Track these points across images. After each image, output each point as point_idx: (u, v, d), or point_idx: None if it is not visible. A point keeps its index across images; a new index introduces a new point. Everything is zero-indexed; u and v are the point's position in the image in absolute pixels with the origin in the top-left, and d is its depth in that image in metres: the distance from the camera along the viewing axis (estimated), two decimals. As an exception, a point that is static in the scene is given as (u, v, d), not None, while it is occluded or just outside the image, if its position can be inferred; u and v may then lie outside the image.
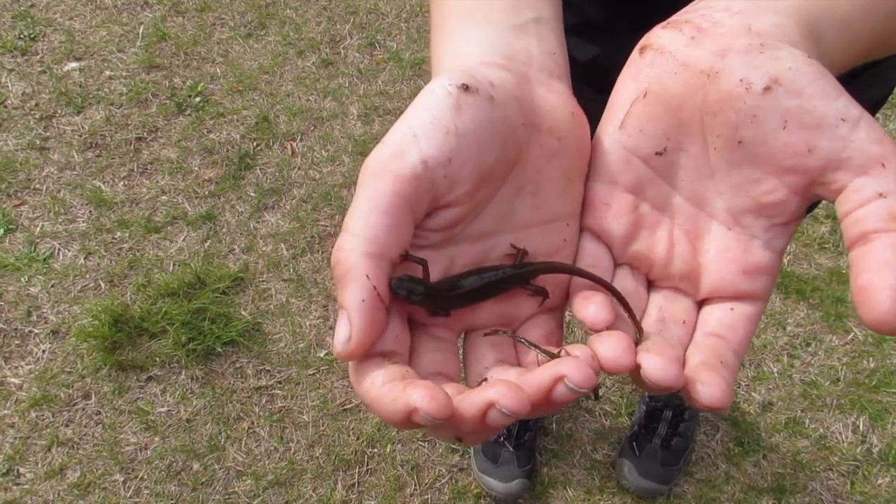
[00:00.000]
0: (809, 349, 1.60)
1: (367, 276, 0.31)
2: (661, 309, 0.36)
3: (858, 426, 1.50)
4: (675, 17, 0.36)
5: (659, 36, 0.35)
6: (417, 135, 0.32)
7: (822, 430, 1.50)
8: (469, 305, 0.36)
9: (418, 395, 0.28)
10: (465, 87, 0.33)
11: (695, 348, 0.34)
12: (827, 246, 1.74)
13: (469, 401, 0.29)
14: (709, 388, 0.31)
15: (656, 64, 0.34)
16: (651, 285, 0.38)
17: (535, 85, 0.36)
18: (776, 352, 1.60)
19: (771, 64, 0.31)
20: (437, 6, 0.40)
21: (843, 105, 0.30)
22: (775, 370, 1.57)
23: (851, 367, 1.57)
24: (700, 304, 0.37)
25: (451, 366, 0.35)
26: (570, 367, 0.29)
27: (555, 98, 0.37)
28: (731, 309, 0.35)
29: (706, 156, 0.35)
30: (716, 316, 0.35)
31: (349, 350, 0.31)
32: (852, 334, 1.61)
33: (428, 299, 0.33)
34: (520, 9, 0.38)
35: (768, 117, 0.31)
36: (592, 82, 0.66)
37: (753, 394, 1.54)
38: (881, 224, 0.29)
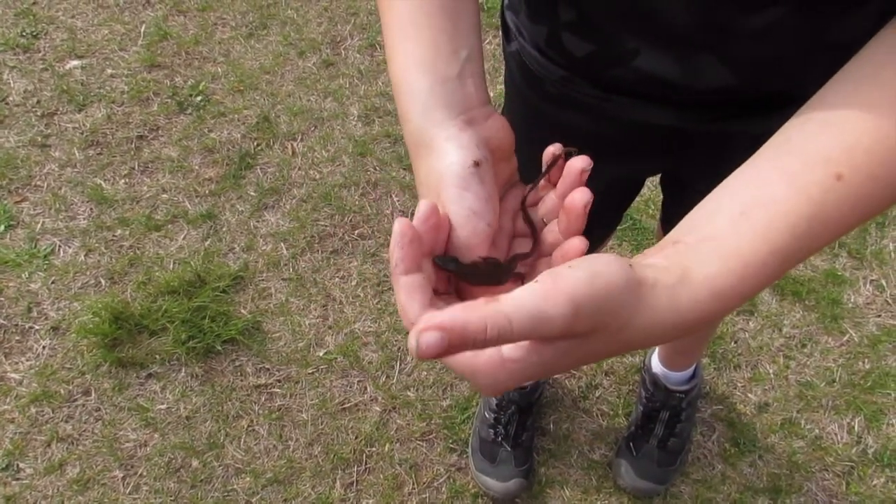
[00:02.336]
0: (805, 350, 1.61)
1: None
2: None
3: (854, 427, 1.51)
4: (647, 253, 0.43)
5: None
6: (476, 212, 0.45)
7: (817, 431, 1.51)
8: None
9: None
10: (477, 164, 0.46)
11: None
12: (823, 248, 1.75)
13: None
14: None
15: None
16: None
17: (480, 122, 0.49)
18: (772, 353, 1.61)
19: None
20: (393, 46, 0.51)
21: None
22: (771, 371, 1.58)
23: (847, 369, 1.58)
24: None
25: None
26: None
27: (493, 122, 0.50)
28: None
29: None
30: None
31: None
32: (848, 336, 1.63)
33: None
34: (458, 50, 0.49)
35: None
36: (587, 77, 0.67)
37: (749, 395, 1.55)
38: None
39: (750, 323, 1.65)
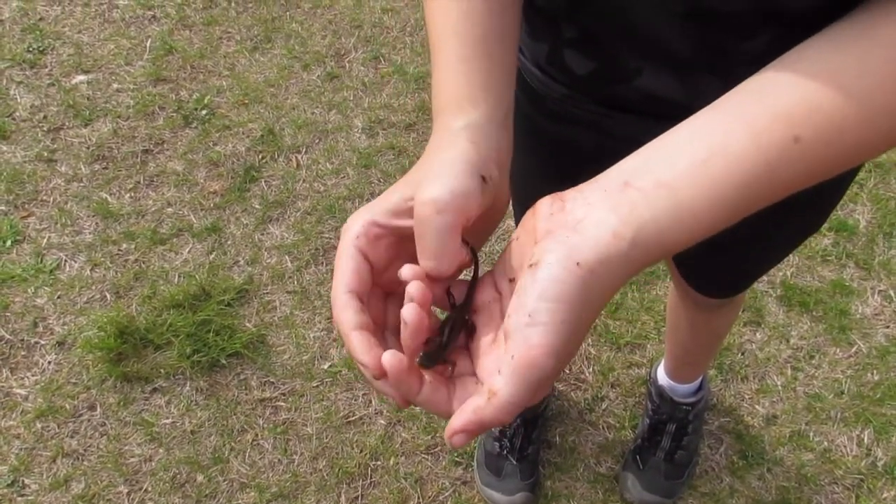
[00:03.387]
0: (813, 362, 1.60)
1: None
2: None
3: (863, 439, 1.50)
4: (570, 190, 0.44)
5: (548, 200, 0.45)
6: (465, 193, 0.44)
7: (826, 444, 1.50)
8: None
9: None
10: (484, 179, 0.45)
11: None
12: (830, 258, 1.74)
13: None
14: None
15: (530, 217, 0.45)
16: None
17: (499, 175, 0.49)
18: (780, 365, 1.60)
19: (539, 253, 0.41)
20: (443, 76, 0.50)
21: (535, 311, 0.39)
22: (779, 383, 1.57)
23: (856, 380, 1.57)
24: None
25: None
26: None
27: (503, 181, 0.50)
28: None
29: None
30: None
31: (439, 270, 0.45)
32: (856, 347, 1.61)
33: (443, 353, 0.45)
34: (504, 99, 0.50)
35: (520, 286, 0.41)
36: (589, 94, 0.67)
37: (757, 407, 1.54)
38: None
39: (757, 334, 1.63)
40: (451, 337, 0.45)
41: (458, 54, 0.50)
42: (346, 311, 0.44)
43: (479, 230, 0.49)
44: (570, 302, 0.39)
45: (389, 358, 0.41)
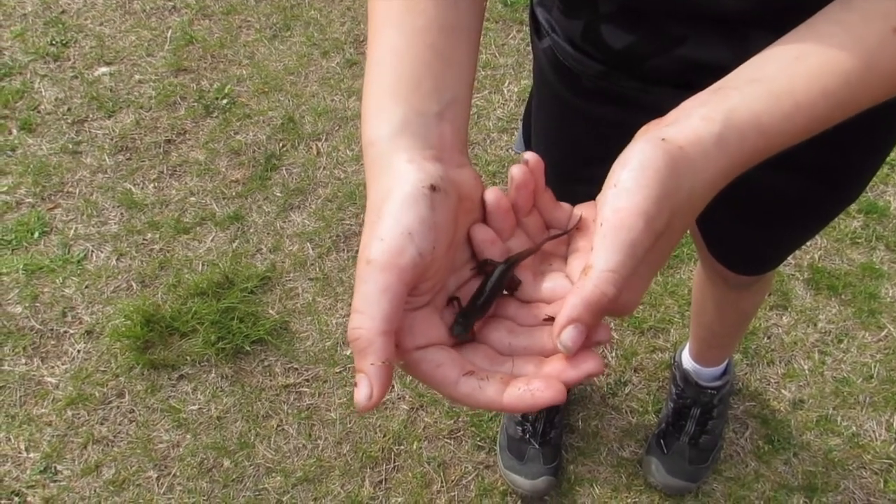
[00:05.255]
0: (841, 346, 1.57)
1: (383, 348, 0.38)
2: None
3: (892, 424, 1.47)
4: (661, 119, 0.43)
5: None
6: (412, 233, 0.40)
7: (854, 428, 1.47)
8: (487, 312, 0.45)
9: (550, 394, 0.39)
10: (433, 188, 0.41)
11: None
12: (859, 241, 1.70)
13: (517, 396, 0.39)
14: None
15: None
16: None
17: (450, 166, 0.44)
18: (807, 349, 1.57)
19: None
20: (376, 64, 0.47)
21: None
22: (806, 367, 1.55)
23: (885, 364, 1.54)
24: None
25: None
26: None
27: (464, 172, 0.45)
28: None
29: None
30: None
31: (371, 405, 0.38)
32: (886, 331, 1.58)
33: (470, 319, 0.43)
34: (441, 91, 0.46)
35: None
36: (627, 69, 0.66)
37: (784, 391, 1.52)
38: None
39: (783, 318, 1.61)
40: (493, 293, 0.44)
41: (391, 46, 0.46)
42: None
43: (468, 220, 0.46)
44: (657, 169, 0.38)
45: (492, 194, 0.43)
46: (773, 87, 0.40)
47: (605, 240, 0.37)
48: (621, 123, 0.70)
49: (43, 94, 2.03)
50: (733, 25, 0.56)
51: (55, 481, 1.44)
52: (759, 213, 0.83)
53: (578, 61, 0.68)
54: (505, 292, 0.45)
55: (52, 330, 1.63)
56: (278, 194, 1.83)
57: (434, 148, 0.44)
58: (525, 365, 0.42)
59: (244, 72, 2.08)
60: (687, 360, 1.43)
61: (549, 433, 1.43)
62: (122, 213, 1.80)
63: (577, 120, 0.76)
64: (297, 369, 1.57)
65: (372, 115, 0.46)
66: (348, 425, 1.51)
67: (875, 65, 0.40)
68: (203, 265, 1.71)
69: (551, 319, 0.43)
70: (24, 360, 1.58)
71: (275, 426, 1.51)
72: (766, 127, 0.39)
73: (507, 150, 1.89)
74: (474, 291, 0.44)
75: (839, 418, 1.49)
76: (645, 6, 0.58)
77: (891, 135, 0.74)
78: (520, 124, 1.12)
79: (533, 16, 0.73)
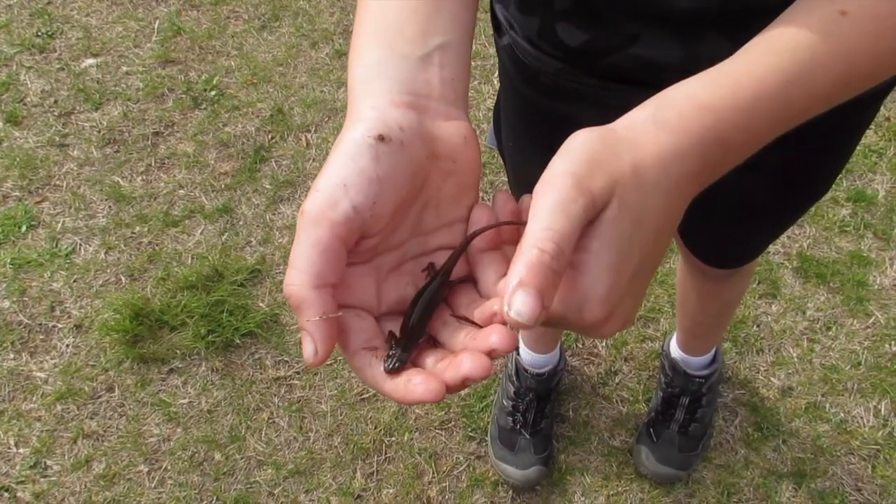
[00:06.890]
0: (830, 333, 1.58)
1: (317, 302, 0.37)
2: None
3: (880, 410, 1.48)
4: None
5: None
6: (347, 185, 0.38)
7: (842, 415, 1.48)
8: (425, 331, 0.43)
9: (423, 389, 0.36)
10: (381, 138, 0.39)
11: None
12: (847, 229, 1.71)
13: (451, 376, 0.37)
14: None
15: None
16: None
17: (434, 117, 0.42)
18: (796, 336, 1.58)
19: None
20: (359, 14, 0.46)
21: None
22: (795, 355, 1.56)
23: (873, 351, 1.55)
24: None
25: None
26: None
27: (451, 126, 0.43)
28: None
29: None
30: None
31: (318, 361, 0.37)
32: (873, 318, 1.59)
33: (406, 353, 0.40)
34: (429, 35, 0.43)
35: None
36: (584, 67, 0.66)
37: (773, 379, 1.53)
38: None
39: (772, 306, 1.62)
40: (418, 328, 0.41)
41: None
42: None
43: (453, 193, 0.44)
44: (583, 140, 0.37)
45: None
46: (711, 72, 0.40)
47: (534, 206, 0.36)
48: (581, 120, 0.70)
49: (29, 86, 2.01)
50: (685, 25, 0.56)
51: (45, 476, 1.44)
52: (726, 212, 0.83)
53: (537, 58, 0.68)
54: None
55: (40, 324, 1.62)
56: (268, 186, 1.82)
57: (415, 94, 0.42)
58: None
59: (232, 63, 2.06)
60: (675, 350, 1.44)
61: (539, 423, 1.43)
62: (110, 207, 1.79)
63: (539, 116, 0.76)
64: (287, 362, 1.57)
65: (351, 61, 0.44)
66: (339, 417, 1.51)
67: (823, 45, 0.40)
68: (192, 258, 1.70)
69: (465, 319, 0.41)
70: (12, 355, 1.57)
71: (266, 419, 1.51)
72: (707, 102, 0.39)
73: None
74: (403, 318, 0.42)
75: (827, 405, 1.50)
76: (598, 4, 0.58)
77: (858, 129, 0.75)
78: (491, 119, 1.11)
79: (493, 13, 0.73)
